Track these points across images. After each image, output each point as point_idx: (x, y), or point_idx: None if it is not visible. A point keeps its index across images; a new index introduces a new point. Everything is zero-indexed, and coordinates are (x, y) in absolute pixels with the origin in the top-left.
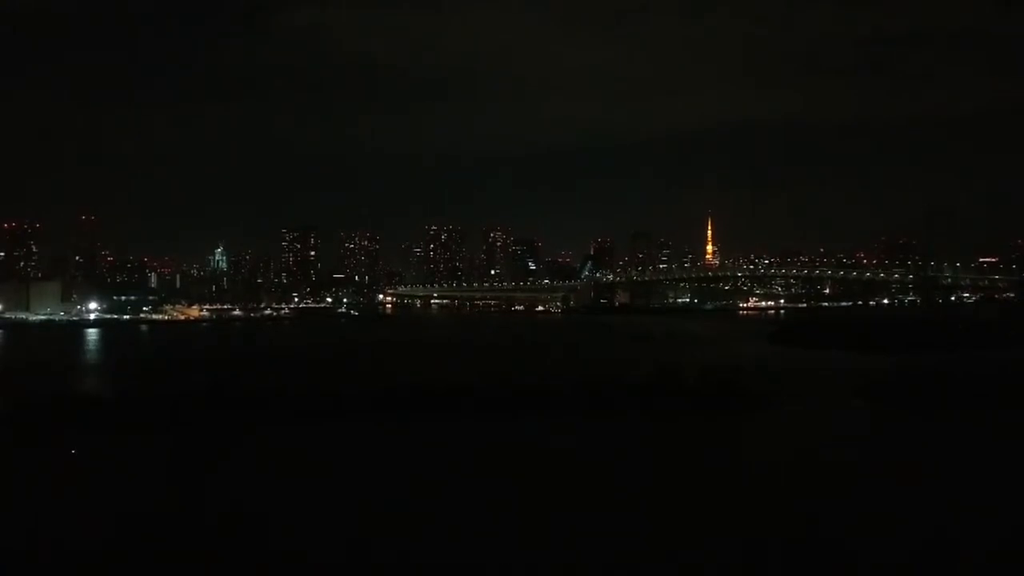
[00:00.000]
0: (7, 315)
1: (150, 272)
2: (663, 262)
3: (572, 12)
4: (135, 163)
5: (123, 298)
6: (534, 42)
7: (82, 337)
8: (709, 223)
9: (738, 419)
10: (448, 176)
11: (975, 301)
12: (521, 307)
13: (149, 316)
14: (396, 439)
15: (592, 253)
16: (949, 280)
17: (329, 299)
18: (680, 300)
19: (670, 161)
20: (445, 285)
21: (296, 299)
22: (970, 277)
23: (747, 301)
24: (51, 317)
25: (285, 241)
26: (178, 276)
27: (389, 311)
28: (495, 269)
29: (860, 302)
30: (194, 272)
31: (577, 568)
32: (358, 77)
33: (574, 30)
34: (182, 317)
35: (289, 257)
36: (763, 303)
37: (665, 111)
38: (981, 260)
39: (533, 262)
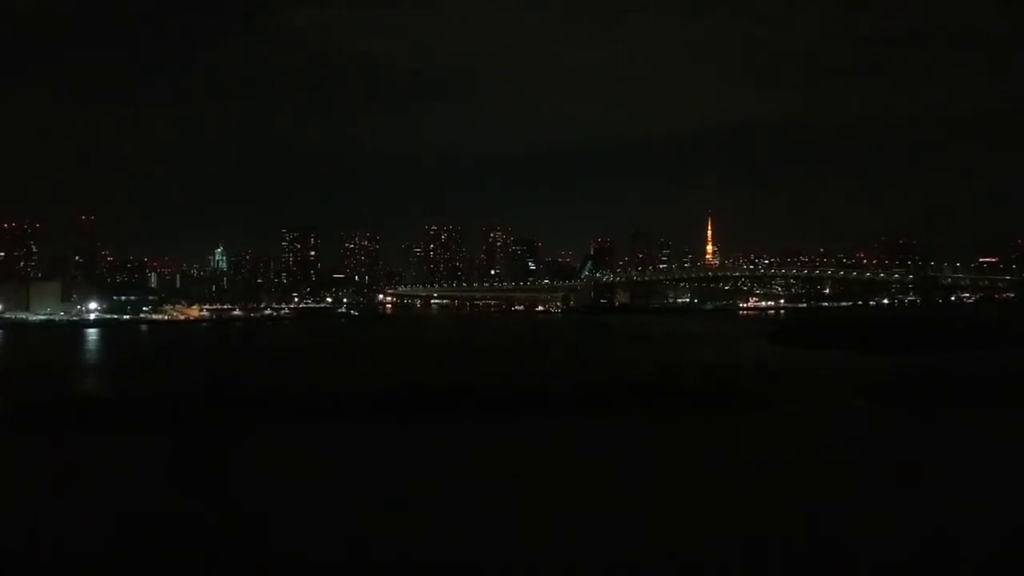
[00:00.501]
0: (7, 315)
1: (150, 272)
2: (663, 262)
3: (572, 12)
4: (135, 163)
5: (123, 298)
6: (534, 42)
7: (82, 337)
8: (709, 223)
9: (738, 419)
10: (448, 176)
11: (975, 301)
12: (521, 307)
13: (149, 316)
14: (396, 439)
15: (592, 253)
16: (949, 280)
17: (329, 299)
18: (680, 300)
19: (670, 161)
20: (445, 285)
21: (296, 299)
22: (970, 277)
23: (747, 301)
24: (51, 317)
25: (285, 241)
26: (178, 276)
27: (389, 311)
28: (495, 269)
29: (860, 302)
30: (194, 272)
31: (577, 568)
32: (358, 77)
33: (574, 30)
34: (182, 317)
35: (289, 257)
36: (763, 303)
37: (665, 111)
38: (981, 260)
39: (533, 262)
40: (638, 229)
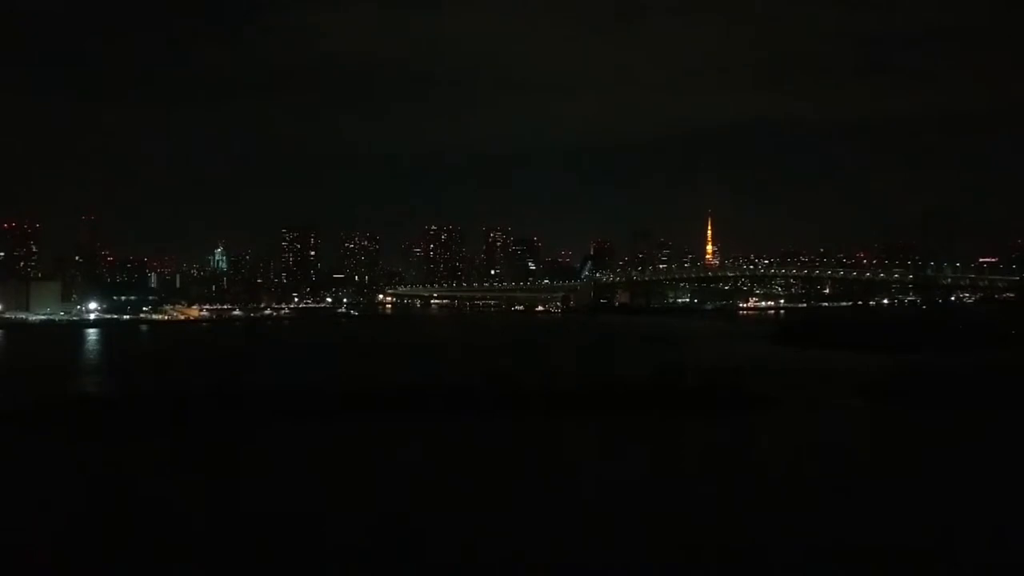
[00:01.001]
0: (7, 315)
1: (150, 272)
2: (663, 262)
3: (572, 12)
4: (135, 163)
5: (123, 298)
6: (534, 42)
7: (82, 337)
8: (709, 223)
9: (738, 419)
10: (448, 176)
11: (975, 301)
12: (521, 307)
13: (149, 316)
14: (396, 439)
15: (592, 253)
16: (949, 280)
17: (329, 299)
18: (680, 300)
19: (670, 161)
20: (445, 285)
21: (296, 299)
22: (970, 277)
23: (747, 301)
24: (51, 317)
25: (285, 241)
26: (178, 276)
27: (389, 311)
28: (495, 269)
29: (860, 302)
30: (194, 272)
31: (577, 568)
32: (359, 77)
33: (574, 30)
34: (182, 317)
35: (289, 257)
36: (763, 303)
37: (665, 111)
38: (981, 260)
39: (533, 262)
40: (638, 229)
